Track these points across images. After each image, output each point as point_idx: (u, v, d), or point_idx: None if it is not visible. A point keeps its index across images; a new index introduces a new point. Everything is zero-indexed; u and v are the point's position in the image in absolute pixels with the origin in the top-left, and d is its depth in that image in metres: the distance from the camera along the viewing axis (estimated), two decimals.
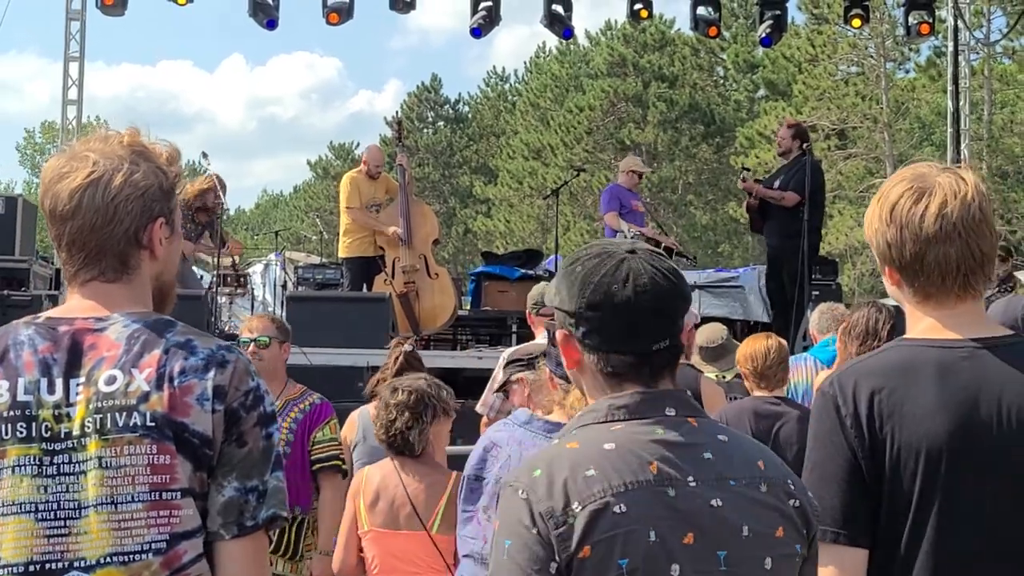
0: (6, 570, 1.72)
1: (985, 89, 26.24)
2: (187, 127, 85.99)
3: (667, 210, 34.01)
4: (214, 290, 9.49)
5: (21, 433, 1.75)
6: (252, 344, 4.57)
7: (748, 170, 11.19)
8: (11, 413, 1.76)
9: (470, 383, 6.83)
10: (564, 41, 26.35)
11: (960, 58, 14.14)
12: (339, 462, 4.58)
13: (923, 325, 2.01)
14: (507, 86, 47.06)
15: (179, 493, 1.75)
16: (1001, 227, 23.82)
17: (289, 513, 1.89)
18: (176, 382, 1.76)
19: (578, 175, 22.18)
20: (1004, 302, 3.92)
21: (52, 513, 1.74)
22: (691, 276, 11.24)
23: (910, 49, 28.40)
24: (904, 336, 2.07)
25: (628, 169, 10.12)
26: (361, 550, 3.75)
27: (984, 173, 23.86)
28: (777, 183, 8.88)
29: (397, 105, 54.58)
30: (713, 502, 1.60)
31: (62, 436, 1.75)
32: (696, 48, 35.78)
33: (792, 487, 1.69)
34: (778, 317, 9.03)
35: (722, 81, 38.59)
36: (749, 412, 4.30)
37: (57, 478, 1.74)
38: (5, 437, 1.76)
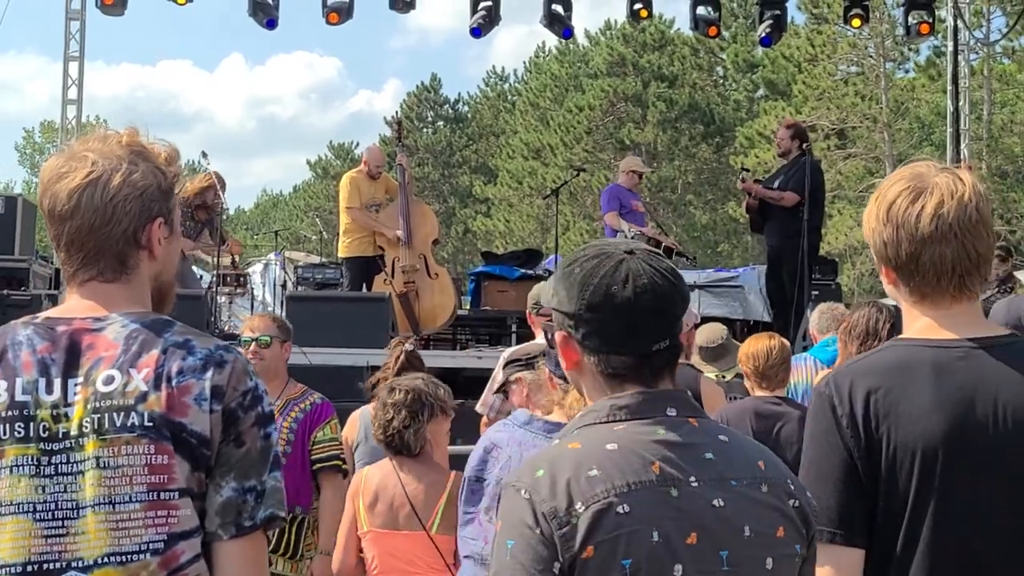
0: (4, 570, 1.72)
1: (985, 89, 26.25)
2: (187, 127, 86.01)
3: (666, 210, 34.02)
4: (214, 290, 9.49)
5: (19, 433, 1.75)
6: (253, 343, 4.57)
7: (747, 170, 11.20)
8: (9, 413, 1.76)
9: (470, 383, 6.83)
10: (564, 41, 26.38)
11: (960, 58, 14.14)
12: (339, 462, 4.58)
13: (919, 325, 2.01)
14: (507, 86, 47.09)
15: (177, 493, 1.75)
16: (1001, 227, 23.84)
17: (287, 513, 1.89)
18: (174, 382, 1.76)
19: (578, 175, 22.19)
20: (1006, 302, 3.92)
21: (50, 513, 1.74)
22: (691, 276, 11.24)
23: (910, 49, 28.42)
24: (900, 336, 2.08)
25: (628, 169, 10.12)
26: (361, 550, 3.75)
27: (984, 173, 23.88)
28: (777, 183, 8.88)
29: (397, 105, 54.67)
30: (715, 502, 1.60)
31: (60, 436, 1.75)
32: (696, 48, 35.79)
33: (792, 487, 1.69)
34: (778, 317, 9.03)
35: (722, 81, 38.60)
36: (750, 412, 4.29)
37: (55, 478, 1.74)
38: (3, 437, 1.75)
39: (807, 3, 29.52)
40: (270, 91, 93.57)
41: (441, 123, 46.74)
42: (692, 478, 1.60)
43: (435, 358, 8.00)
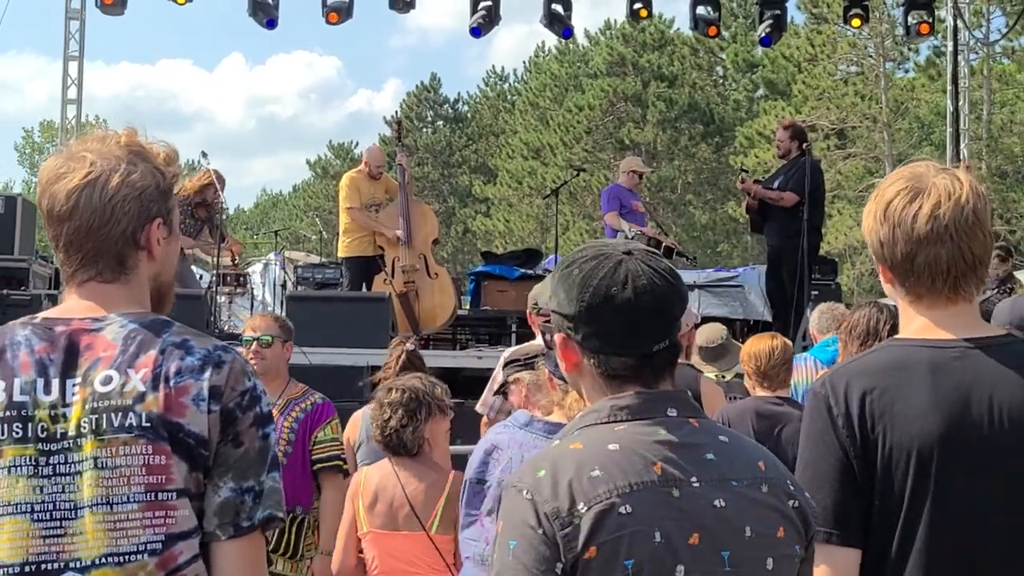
0: (2, 571, 1.72)
1: (984, 89, 26.25)
2: (186, 126, 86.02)
3: (666, 209, 34.02)
4: (213, 290, 9.49)
5: (17, 433, 1.75)
6: (255, 343, 4.56)
7: (746, 171, 11.21)
8: (7, 413, 1.76)
9: (470, 383, 6.82)
10: (563, 40, 26.39)
11: (959, 58, 14.13)
12: (340, 462, 4.58)
13: (916, 325, 2.01)
14: (506, 85, 47.10)
15: (175, 494, 1.74)
16: (1000, 227, 23.85)
17: (286, 514, 1.88)
18: (172, 382, 1.76)
19: (578, 175, 22.19)
20: (1011, 302, 3.91)
21: (48, 514, 1.73)
22: (691, 276, 11.25)
23: (909, 49, 28.43)
24: (896, 336, 2.08)
25: (628, 169, 10.12)
26: (361, 551, 3.74)
27: (983, 173, 23.88)
28: (776, 183, 8.88)
29: (396, 104, 54.81)
30: (716, 503, 1.60)
31: (58, 436, 1.75)
32: (695, 48, 35.80)
33: (792, 488, 1.69)
34: (778, 317, 9.03)
35: (721, 81, 38.61)
36: (751, 412, 4.29)
37: (53, 479, 1.74)
38: (1, 438, 1.75)
39: (807, 3, 29.53)
40: (270, 91, 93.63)
41: (441, 123, 46.75)
42: (693, 479, 1.60)
43: (435, 358, 8.00)
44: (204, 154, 9.62)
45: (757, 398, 4.42)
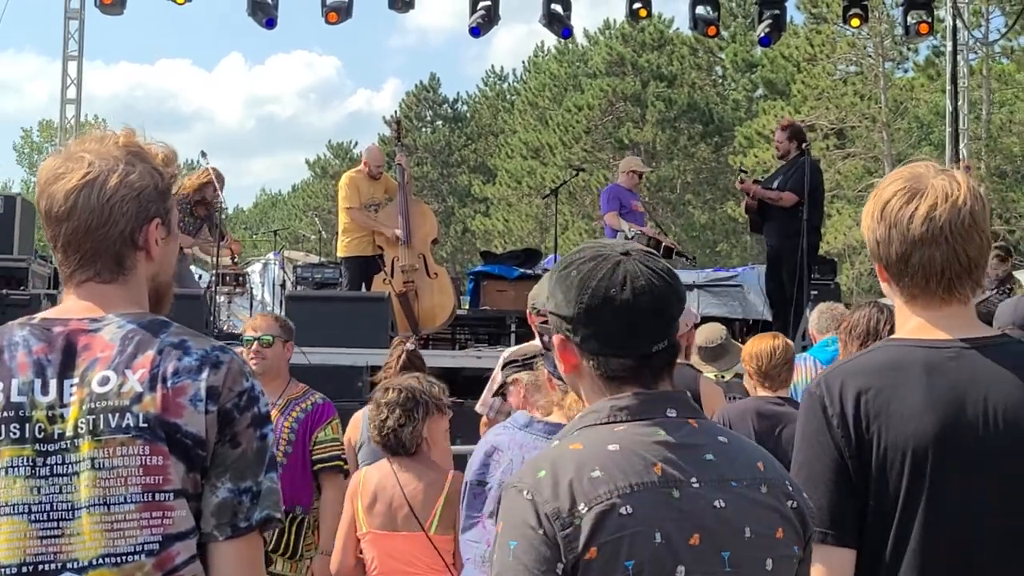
0: None
1: (983, 89, 26.25)
2: (186, 126, 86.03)
3: (665, 209, 34.02)
4: (213, 289, 9.48)
5: (15, 434, 1.75)
6: (255, 343, 4.56)
7: (745, 171, 11.20)
8: (4, 414, 1.76)
9: (469, 383, 6.82)
10: (563, 40, 26.39)
11: (959, 58, 14.14)
12: (340, 462, 4.58)
13: (911, 325, 2.02)
14: (506, 85, 47.10)
15: (172, 494, 1.74)
16: (1000, 227, 23.85)
17: (284, 514, 1.88)
18: (169, 383, 1.75)
19: (577, 175, 22.19)
20: (1014, 302, 3.91)
21: (45, 514, 1.73)
22: (690, 276, 11.26)
23: (909, 48, 28.43)
24: (892, 336, 2.08)
25: (628, 169, 10.12)
26: (360, 551, 3.74)
27: (982, 173, 23.89)
28: (776, 183, 8.88)
29: (396, 104, 54.79)
30: (716, 503, 1.60)
31: (55, 437, 1.75)
32: (695, 47, 35.81)
33: (790, 488, 1.70)
34: (777, 317, 9.03)
35: (721, 80, 38.62)
36: (752, 412, 4.29)
37: (50, 479, 1.74)
38: None
39: (806, 3, 29.53)
40: (269, 90, 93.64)
41: (440, 122, 46.76)
42: (693, 479, 1.60)
43: (434, 358, 8.00)
44: (203, 154, 9.64)
45: (758, 398, 4.41)
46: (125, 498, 1.73)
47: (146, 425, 1.74)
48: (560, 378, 2.63)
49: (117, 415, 1.74)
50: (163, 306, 1.95)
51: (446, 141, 44.77)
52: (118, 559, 1.72)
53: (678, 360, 1.75)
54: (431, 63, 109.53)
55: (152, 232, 1.86)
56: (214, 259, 9.50)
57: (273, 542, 4.42)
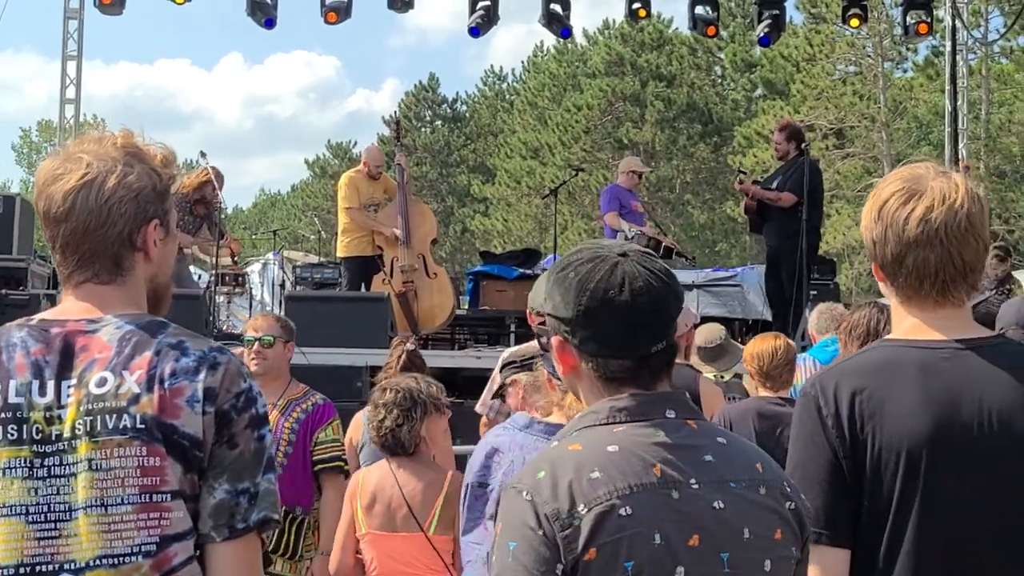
0: None
1: (983, 88, 26.26)
2: (185, 125, 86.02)
3: (665, 209, 34.03)
4: (212, 289, 9.48)
5: (12, 435, 1.75)
6: (256, 343, 4.56)
7: (744, 172, 11.20)
8: (2, 415, 1.76)
9: (469, 383, 6.83)
10: (562, 40, 26.40)
11: (958, 58, 14.14)
12: (341, 463, 4.58)
13: (906, 325, 2.02)
14: (505, 85, 47.12)
15: (169, 495, 1.74)
16: (999, 227, 23.86)
17: (282, 515, 1.88)
18: (166, 384, 1.75)
19: (576, 174, 22.19)
20: (1017, 302, 3.92)
21: (42, 515, 1.73)
22: (689, 276, 11.26)
23: (908, 49, 28.44)
24: (887, 336, 2.08)
25: (628, 169, 10.12)
26: (359, 552, 3.74)
27: (981, 173, 23.89)
28: (775, 183, 8.88)
29: (395, 104, 54.69)
30: (715, 504, 1.60)
31: (53, 438, 1.75)
32: (694, 47, 35.81)
33: (788, 490, 1.70)
34: (777, 317, 9.03)
35: (720, 80, 38.63)
36: (753, 412, 4.29)
37: (48, 480, 1.74)
38: None
39: (805, 3, 29.54)
40: (268, 90, 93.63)
41: (439, 122, 46.76)
42: (692, 480, 1.60)
43: (434, 358, 7.99)
44: (203, 154, 9.62)
45: (759, 398, 4.41)
46: (122, 499, 1.72)
47: (143, 426, 1.73)
48: (560, 378, 2.62)
49: (114, 416, 1.74)
50: (162, 307, 1.95)
51: (445, 141, 44.77)
52: (115, 560, 1.72)
53: (678, 360, 1.74)
54: (430, 63, 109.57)
55: (150, 233, 1.86)
56: (213, 259, 9.50)
57: (273, 543, 4.42)
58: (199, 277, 11.16)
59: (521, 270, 11.01)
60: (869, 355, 2.03)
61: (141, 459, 1.73)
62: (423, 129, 45.87)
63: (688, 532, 1.57)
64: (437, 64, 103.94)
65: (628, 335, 1.65)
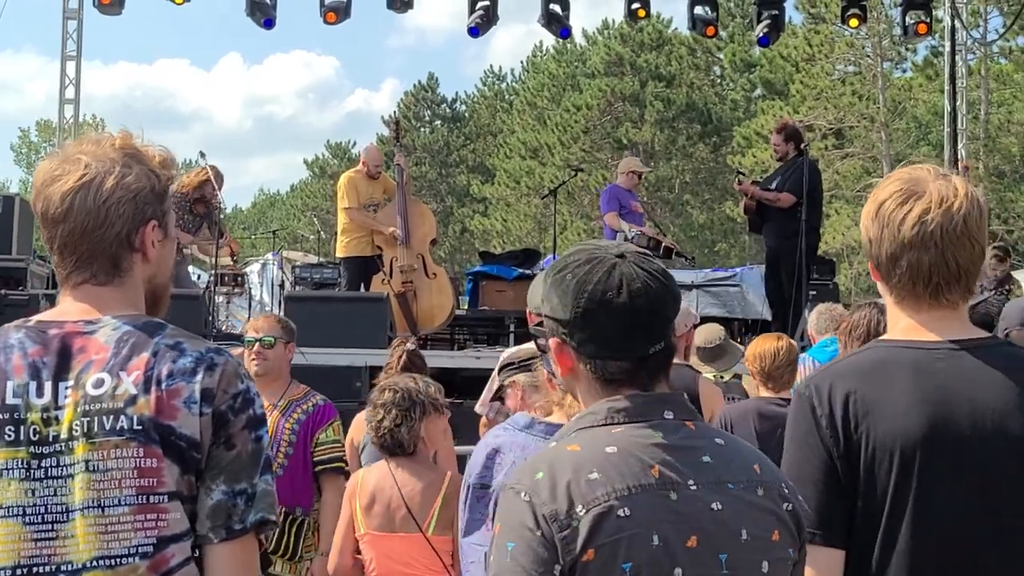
0: None
1: (982, 89, 26.26)
2: (184, 125, 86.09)
3: (664, 209, 34.04)
4: (211, 289, 9.48)
5: (9, 436, 1.75)
6: (257, 344, 4.55)
7: (743, 172, 11.20)
8: (0, 416, 1.75)
9: (468, 383, 6.83)
10: (561, 40, 26.41)
11: (957, 58, 14.15)
12: (342, 464, 4.58)
13: (902, 325, 2.02)
14: (504, 85, 47.13)
15: (166, 496, 1.74)
16: (998, 227, 23.87)
17: (279, 516, 1.88)
18: (164, 385, 1.75)
19: (575, 175, 22.19)
20: (1022, 302, 3.91)
21: (40, 517, 1.73)
22: (688, 276, 11.26)
23: (907, 49, 28.46)
24: (882, 337, 2.09)
25: (627, 170, 10.12)
26: (358, 552, 3.74)
27: (981, 173, 23.91)
28: (774, 184, 8.88)
29: (394, 104, 54.69)
30: (713, 505, 1.60)
31: (50, 439, 1.75)
32: (693, 48, 35.82)
33: (786, 491, 1.70)
34: (776, 317, 9.03)
35: (719, 80, 38.64)
36: (753, 412, 4.29)
37: (45, 481, 1.74)
38: None
39: (805, 3, 29.55)
40: (268, 90, 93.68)
41: (439, 122, 46.77)
42: (691, 481, 1.60)
43: (433, 358, 7.99)
44: (202, 154, 9.61)
45: (759, 399, 4.41)
46: (119, 500, 1.72)
47: (140, 427, 1.73)
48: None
49: (111, 417, 1.73)
50: (160, 308, 1.94)
51: (444, 141, 44.77)
52: (112, 561, 1.72)
53: (677, 360, 1.74)
54: (430, 63, 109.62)
55: (148, 234, 1.86)
56: (213, 259, 9.50)
57: (273, 543, 4.41)
58: (198, 277, 11.17)
59: (520, 270, 11.01)
60: (863, 356, 2.03)
61: (138, 460, 1.73)
62: (422, 129, 45.88)
63: (686, 533, 1.57)
64: (436, 64, 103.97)
65: (626, 336, 1.65)
